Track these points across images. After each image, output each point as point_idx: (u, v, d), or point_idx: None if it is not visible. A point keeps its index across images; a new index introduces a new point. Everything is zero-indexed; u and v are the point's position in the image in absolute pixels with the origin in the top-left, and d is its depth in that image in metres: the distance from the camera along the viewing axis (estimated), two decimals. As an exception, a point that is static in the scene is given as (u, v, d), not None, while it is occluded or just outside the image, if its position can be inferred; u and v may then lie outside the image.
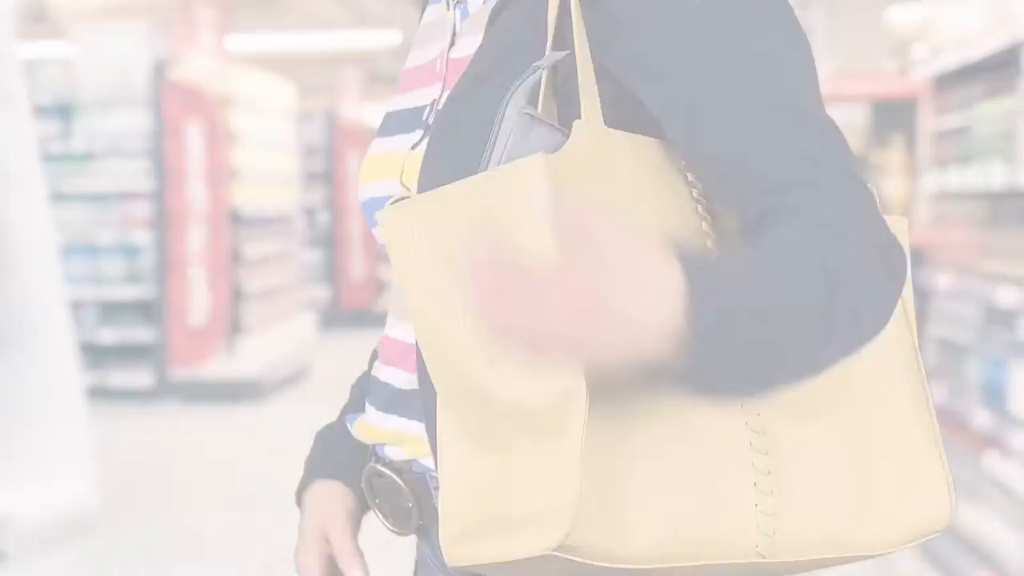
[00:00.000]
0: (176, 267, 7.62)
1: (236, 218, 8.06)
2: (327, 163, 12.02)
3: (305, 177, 11.64)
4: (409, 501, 1.04)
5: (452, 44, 1.05)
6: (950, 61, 4.15)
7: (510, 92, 0.93)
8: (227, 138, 7.90)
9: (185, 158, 7.62)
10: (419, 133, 1.04)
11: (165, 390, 7.63)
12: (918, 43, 5.27)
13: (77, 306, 7.59)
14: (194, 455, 6.24)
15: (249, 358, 7.82)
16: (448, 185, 0.90)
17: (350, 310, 12.05)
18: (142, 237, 7.71)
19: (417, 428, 1.02)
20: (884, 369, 0.94)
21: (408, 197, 0.93)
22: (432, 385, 0.93)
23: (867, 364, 0.92)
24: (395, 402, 1.06)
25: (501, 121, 0.92)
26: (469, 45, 1.02)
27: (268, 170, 8.76)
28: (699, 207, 0.92)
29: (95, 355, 7.61)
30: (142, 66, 7.90)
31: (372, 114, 14.35)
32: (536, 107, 0.94)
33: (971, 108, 4.03)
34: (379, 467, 1.07)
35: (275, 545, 4.79)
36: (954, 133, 4.30)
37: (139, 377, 7.67)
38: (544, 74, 0.94)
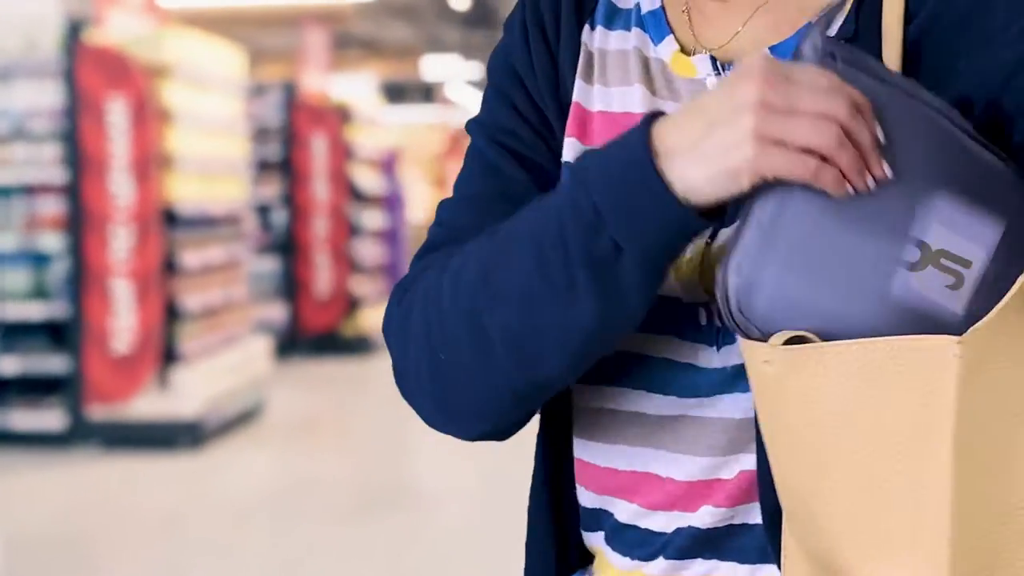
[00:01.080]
0: (95, 280, 7.64)
1: (171, 218, 8.06)
2: (285, 149, 12.02)
3: (257, 166, 11.66)
4: None
5: None
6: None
7: None
8: (160, 118, 7.91)
9: (106, 143, 7.62)
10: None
11: (82, 433, 7.65)
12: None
13: (-28, 328, 7.65)
14: (118, 513, 6.27)
15: (187, 394, 7.84)
16: (837, 343, 0.93)
17: (313, 333, 12.08)
18: (52, 242, 7.74)
19: (732, 571, 1.09)
20: None
21: (803, 341, 0.94)
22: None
23: None
24: (700, 545, 1.11)
25: None
26: None
27: (211, 158, 8.78)
28: None
29: (-6, 389, 7.66)
30: (52, 27, 7.94)
31: (340, 87, 14.38)
32: None
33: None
34: None
35: (219, 626, 4.82)
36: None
37: (49, 417, 7.68)
38: None
